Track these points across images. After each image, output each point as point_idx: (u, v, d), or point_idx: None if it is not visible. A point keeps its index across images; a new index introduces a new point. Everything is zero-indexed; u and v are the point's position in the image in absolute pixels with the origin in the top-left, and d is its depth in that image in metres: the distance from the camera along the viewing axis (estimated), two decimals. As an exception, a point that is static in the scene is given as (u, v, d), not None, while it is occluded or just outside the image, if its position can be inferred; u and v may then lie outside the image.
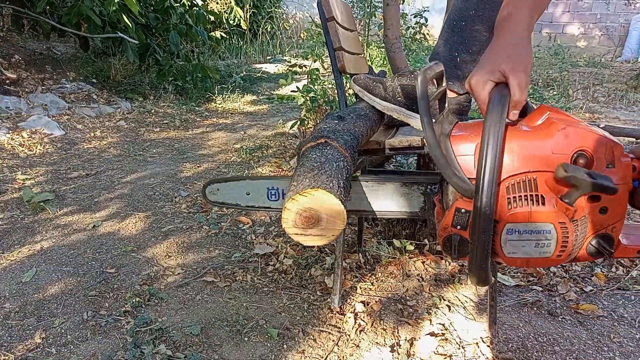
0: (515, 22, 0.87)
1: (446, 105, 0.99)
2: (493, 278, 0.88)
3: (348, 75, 1.62)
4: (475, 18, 1.44)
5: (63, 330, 1.43)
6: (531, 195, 0.82)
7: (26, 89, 4.03)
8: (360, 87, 1.39)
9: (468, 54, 1.47)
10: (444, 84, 0.99)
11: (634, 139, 3.37)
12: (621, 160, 0.82)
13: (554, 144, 0.82)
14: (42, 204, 2.25)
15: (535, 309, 1.58)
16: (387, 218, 1.75)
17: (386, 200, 1.24)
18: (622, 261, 1.84)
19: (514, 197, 0.82)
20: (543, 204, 0.81)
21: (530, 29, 0.88)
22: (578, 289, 1.68)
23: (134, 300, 1.56)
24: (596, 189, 0.75)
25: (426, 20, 5.62)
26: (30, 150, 3.03)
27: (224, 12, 5.49)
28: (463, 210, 0.86)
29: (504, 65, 0.83)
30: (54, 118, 3.57)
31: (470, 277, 0.86)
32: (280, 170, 2.76)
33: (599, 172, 0.78)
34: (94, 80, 4.86)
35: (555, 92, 5.01)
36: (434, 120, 0.88)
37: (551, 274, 1.77)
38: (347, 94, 1.70)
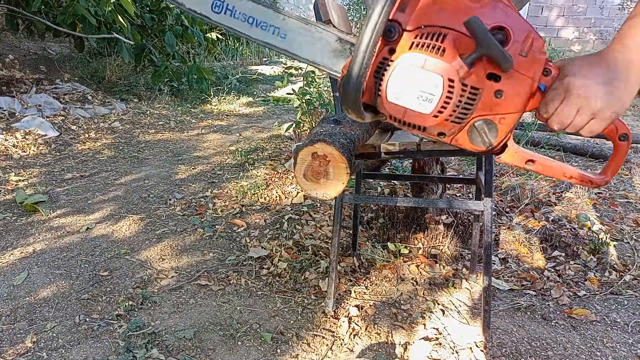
0: None
1: None
2: (369, 118, 0.84)
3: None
4: None
5: (54, 334, 1.42)
6: (435, 45, 0.78)
7: (20, 90, 4.00)
8: None
9: None
10: None
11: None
12: (536, 55, 0.79)
13: (479, 10, 0.79)
14: (35, 205, 2.23)
15: (528, 313, 1.58)
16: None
17: (317, 52, 1.16)
18: (615, 266, 1.84)
19: (419, 42, 0.79)
20: (442, 55, 0.78)
21: None
22: (571, 294, 1.69)
23: (126, 304, 1.55)
24: (493, 52, 0.75)
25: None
26: (24, 151, 3.01)
27: (220, 13, 5.47)
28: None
29: None
30: (48, 119, 3.55)
31: (344, 106, 0.81)
32: (275, 172, 2.75)
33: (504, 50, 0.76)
34: (89, 81, 4.84)
35: (549, 96, 5.03)
36: None
37: (545, 278, 1.77)
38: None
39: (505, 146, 0.87)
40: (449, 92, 0.78)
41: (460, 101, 0.80)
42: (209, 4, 1.24)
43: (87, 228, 2.09)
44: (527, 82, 0.79)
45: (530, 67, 0.79)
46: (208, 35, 5.16)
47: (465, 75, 0.78)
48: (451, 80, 0.78)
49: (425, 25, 0.79)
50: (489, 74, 0.79)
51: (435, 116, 0.80)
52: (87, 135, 3.45)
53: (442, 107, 0.79)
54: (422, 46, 0.79)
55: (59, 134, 3.36)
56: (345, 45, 1.10)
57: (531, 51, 0.79)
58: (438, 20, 0.79)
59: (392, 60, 0.80)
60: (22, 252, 1.88)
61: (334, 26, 1.49)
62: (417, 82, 0.79)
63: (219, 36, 5.63)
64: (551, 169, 0.91)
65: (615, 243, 1.99)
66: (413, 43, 0.79)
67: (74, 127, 3.54)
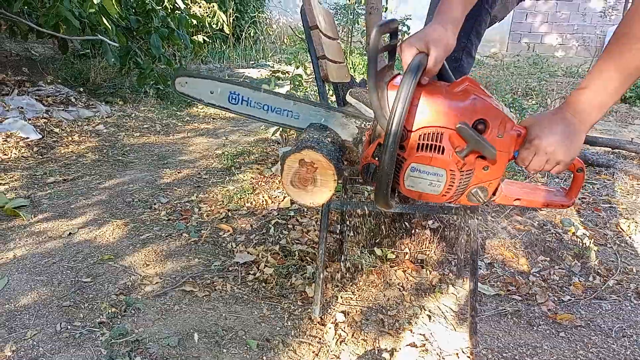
0: (450, 14, 1.11)
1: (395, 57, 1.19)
2: (394, 204, 1.11)
3: (331, 84, 1.62)
4: None
5: (35, 342, 1.38)
6: (435, 145, 1.03)
7: (2, 92, 3.93)
8: (357, 99, 1.40)
9: None
10: (395, 39, 1.19)
11: (610, 149, 3.44)
12: (509, 133, 1.05)
13: (463, 108, 1.02)
14: (16, 210, 2.19)
15: (514, 318, 1.59)
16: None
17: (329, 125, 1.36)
18: (599, 270, 1.86)
19: (423, 144, 1.04)
20: (442, 153, 1.03)
21: (461, 22, 1.12)
22: (556, 298, 1.70)
23: (109, 311, 1.52)
24: (480, 147, 1.00)
25: (408, 27, 5.67)
26: (5, 155, 2.95)
27: (207, 16, 5.44)
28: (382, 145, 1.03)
29: (430, 41, 1.04)
30: (30, 121, 3.48)
31: (375, 201, 1.08)
32: (262, 176, 2.74)
33: (486, 138, 1.01)
34: (73, 83, 4.77)
35: (533, 102, 5.09)
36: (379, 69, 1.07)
37: (530, 283, 1.78)
38: (329, 102, 1.69)
39: (495, 193, 1.16)
40: (451, 178, 1.05)
41: (460, 182, 1.07)
42: (226, 97, 1.43)
43: (70, 233, 2.05)
44: (506, 156, 1.07)
45: (506, 144, 1.05)
46: (194, 38, 5.13)
47: (461, 165, 1.04)
48: (452, 171, 1.04)
49: (425, 126, 1.03)
50: (478, 156, 1.04)
51: (444, 195, 1.09)
52: (70, 139, 3.39)
53: (448, 189, 1.07)
54: (425, 148, 1.04)
55: (41, 136, 3.30)
56: (350, 120, 1.32)
57: (505, 132, 1.04)
58: (434, 122, 1.03)
59: (404, 157, 1.06)
60: (1, 258, 1.83)
61: (320, 31, 1.49)
62: (426, 176, 1.06)
63: (206, 39, 5.60)
64: (533, 202, 1.21)
65: (598, 248, 2.01)
66: (419, 145, 1.04)
67: (57, 130, 3.48)
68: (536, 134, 1.04)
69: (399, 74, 1.15)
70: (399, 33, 1.22)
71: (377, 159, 1.09)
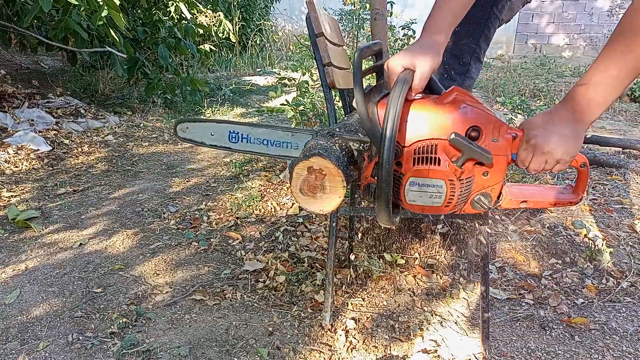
0: (435, 32, 1.13)
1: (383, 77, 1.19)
2: (397, 220, 1.09)
3: (337, 90, 1.62)
4: None
5: (47, 354, 1.39)
6: (431, 157, 1.04)
7: (12, 104, 3.98)
8: None
9: None
10: (382, 60, 1.20)
11: (620, 149, 3.41)
12: (504, 136, 1.05)
13: (455, 118, 1.03)
14: (27, 222, 2.21)
15: (527, 322, 1.57)
16: None
17: None
18: (612, 272, 1.84)
19: (419, 157, 1.05)
20: (439, 164, 1.04)
21: (444, 41, 1.13)
22: (569, 302, 1.68)
23: (120, 321, 1.53)
24: (475, 155, 1.00)
25: (414, 32, 5.67)
26: (16, 167, 2.99)
27: (213, 25, 5.48)
28: None
29: (415, 59, 1.05)
30: (40, 133, 3.52)
31: (378, 218, 1.07)
32: (270, 184, 2.74)
33: (482, 144, 1.03)
34: (82, 95, 4.82)
35: (541, 103, 5.06)
36: (368, 90, 1.11)
37: (542, 287, 1.76)
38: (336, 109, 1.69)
39: (499, 196, 1.16)
40: (451, 188, 1.05)
41: (461, 191, 1.06)
42: (226, 137, 1.45)
43: (80, 244, 2.06)
44: (504, 159, 1.07)
45: (503, 148, 1.06)
46: (201, 47, 5.17)
47: (459, 174, 1.04)
48: (451, 181, 1.04)
49: (418, 140, 1.04)
50: (475, 163, 1.05)
51: (447, 206, 1.08)
52: (80, 150, 3.43)
53: (450, 199, 1.06)
54: (422, 161, 1.05)
55: (51, 148, 3.34)
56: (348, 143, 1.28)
57: (500, 136, 1.05)
58: (427, 135, 1.04)
59: (401, 173, 1.07)
60: (14, 270, 1.85)
61: (326, 38, 1.50)
62: (427, 189, 1.06)
63: (212, 48, 5.64)
64: (540, 203, 1.21)
65: (611, 250, 1.99)
66: (414, 159, 1.05)
67: (66, 142, 3.52)
68: (533, 134, 1.05)
69: (387, 94, 1.16)
70: (385, 53, 1.24)
71: (376, 177, 1.09)
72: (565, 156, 1.03)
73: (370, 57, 1.41)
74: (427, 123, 1.04)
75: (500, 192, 1.15)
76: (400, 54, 1.08)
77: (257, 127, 1.44)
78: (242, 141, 1.45)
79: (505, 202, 1.17)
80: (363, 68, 1.22)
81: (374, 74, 1.41)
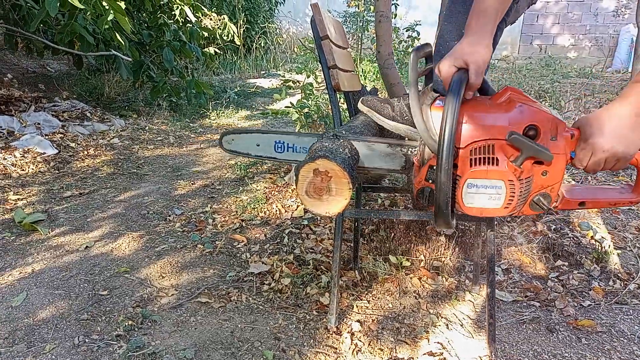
0: (481, 26, 1.08)
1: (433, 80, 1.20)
2: (454, 223, 1.07)
3: (342, 93, 1.62)
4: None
5: (54, 357, 1.40)
6: (488, 158, 1.01)
7: (19, 108, 4.01)
8: (369, 107, 1.41)
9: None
10: (431, 63, 1.20)
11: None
12: (562, 134, 1.03)
13: (511, 118, 1.02)
14: (33, 225, 2.22)
15: (533, 325, 1.56)
16: (377, 174, 1.84)
17: (375, 159, 1.35)
18: (619, 274, 1.83)
19: (475, 158, 1.02)
20: (497, 164, 1.01)
21: (492, 34, 1.09)
22: (576, 304, 1.67)
23: (126, 324, 1.53)
24: (534, 153, 0.98)
25: (418, 33, 5.67)
26: (23, 170, 3.01)
27: (218, 28, 5.50)
28: (434, 167, 1.03)
29: (466, 56, 1.03)
30: (47, 137, 3.55)
31: (436, 222, 1.06)
32: (275, 186, 2.74)
33: (540, 143, 1.00)
34: (88, 98, 4.85)
35: (547, 103, 5.04)
36: (420, 92, 1.09)
37: (548, 289, 1.75)
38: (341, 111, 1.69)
39: (563, 197, 1.13)
40: (511, 189, 1.02)
41: (521, 192, 1.03)
42: (272, 147, 1.47)
43: (87, 246, 2.07)
44: (563, 158, 1.04)
45: (561, 146, 1.03)
46: (206, 50, 5.19)
47: (519, 174, 1.01)
48: (510, 181, 1.01)
49: (474, 141, 1.02)
50: (534, 162, 1.02)
51: (506, 207, 1.04)
52: (86, 153, 3.44)
53: (509, 200, 1.03)
54: (479, 162, 1.02)
55: (57, 151, 3.36)
56: (395, 149, 1.30)
57: (558, 134, 1.02)
58: (482, 135, 1.02)
59: (458, 175, 1.04)
60: (20, 273, 1.86)
61: (331, 41, 1.50)
62: (485, 190, 1.03)
63: (217, 50, 5.66)
64: (600, 203, 1.17)
65: (618, 251, 1.97)
66: (471, 160, 1.02)
67: (72, 145, 3.54)
68: (591, 132, 1.01)
69: (439, 96, 1.17)
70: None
71: (430, 181, 1.09)
72: (627, 154, 1.00)
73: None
74: (482, 123, 1.03)
75: (559, 193, 1.13)
76: (449, 56, 1.06)
77: (303, 137, 1.44)
78: (287, 151, 1.46)
79: (561, 203, 1.14)
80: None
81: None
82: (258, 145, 1.49)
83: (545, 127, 1.02)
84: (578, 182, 2.70)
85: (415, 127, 1.39)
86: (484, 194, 1.03)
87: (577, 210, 2.34)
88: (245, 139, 1.50)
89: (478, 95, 1.17)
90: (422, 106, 1.09)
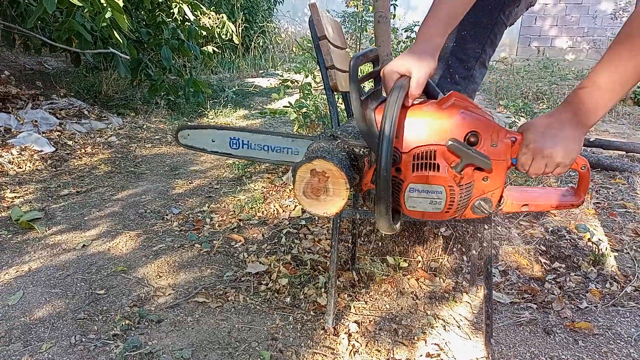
0: (430, 37, 1.12)
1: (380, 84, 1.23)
2: (398, 227, 1.10)
3: (340, 93, 1.62)
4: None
5: (50, 356, 1.39)
6: (430, 163, 1.04)
7: (16, 105, 3.99)
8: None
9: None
10: (378, 67, 1.23)
11: (624, 152, 3.40)
12: (503, 141, 1.05)
13: (453, 124, 1.03)
14: (30, 223, 2.21)
15: (530, 327, 1.57)
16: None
17: None
18: (615, 277, 1.83)
19: (418, 163, 1.05)
20: (438, 170, 1.04)
21: (439, 46, 1.13)
22: (573, 306, 1.67)
23: (123, 323, 1.53)
24: (474, 160, 1.00)
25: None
26: (20, 168, 3.00)
27: (216, 26, 5.48)
28: None
29: (411, 65, 1.06)
30: (44, 134, 3.53)
31: (378, 224, 1.07)
32: (273, 186, 2.74)
33: (481, 149, 1.03)
34: (86, 96, 4.83)
35: (545, 106, 5.05)
36: (364, 97, 1.10)
37: (545, 291, 1.76)
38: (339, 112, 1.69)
39: (500, 200, 1.15)
40: (451, 194, 1.04)
41: (461, 197, 1.06)
42: (227, 144, 1.49)
43: (83, 245, 2.07)
44: (503, 164, 1.07)
45: (502, 153, 1.06)
46: (204, 48, 5.17)
47: (459, 180, 1.04)
48: (451, 187, 1.04)
49: (417, 146, 1.04)
50: (475, 168, 1.05)
51: (447, 211, 1.07)
52: (83, 151, 3.43)
53: (449, 205, 1.06)
54: (421, 167, 1.04)
55: (55, 149, 3.35)
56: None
57: (499, 140, 1.05)
58: (425, 141, 1.04)
59: (401, 179, 1.07)
60: (17, 271, 1.85)
61: (329, 41, 1.49)
62: (426, 195, 1.06)
63: (215, 49, 5.64)
64: (542, 206, 1.21)
65: (615, 254, 1.98)
66: (414, 165, 1.05)
67: (70, 143, 3.53)
68: (533, 138, 1.04)
69: (384, 101, 1.17)
70: (388, 55, 1.25)
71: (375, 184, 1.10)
72: (566, 159, 1.03)
73: (369, 63, 1.41)
74: (425, 128, 1.04)
75: (501, 196, 1.15)
76: (395, 61, 1.08)
77: (258, 133, 1.45)
78: (242, 147, 1.48)
79: (506, 206, 1.17)
80: (362, 74, 1.23)
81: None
82: (213, 141, 1.50)
83: (487, 133, 1.04)
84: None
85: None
86: (425, 198, 1.06)
87: (572, 212, 2.35)
88: (200, 135, 1.52)
89: (425, 98, 1.18)
90: (366, 109, 1.09)
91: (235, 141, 1.47)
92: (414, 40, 5.68)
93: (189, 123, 4.46)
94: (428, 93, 1.18)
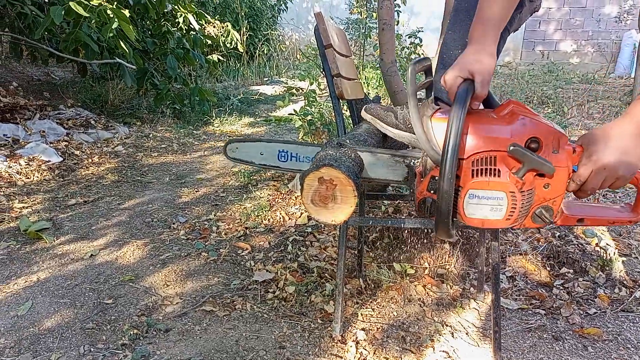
0: (484, 35, 1.09)
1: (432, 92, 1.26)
2: (455, 233, 1.10)
3: (345, 101, 1.63)
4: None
5: (59, 366, 1.40)
6: (490, 169, 1.02)
7: (24, 116, 4.03)
8: (373, 116, 1.42)
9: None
10: (431, 77, 1.25)
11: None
12: (564, 148, 1.03)
13: (513, 130, 1.03)
14: (39, 233, 2.23)
15: (539, 333, 1.56)
16: (379, 184, 1.87)
17: (378, 169, 1.35)
18: (624, 282, 1.82)
19: (477, 169, 1.03)
20: (499, 176, 1.01)
21: (495, 42, 1.10)
22: (582, 312, 1.66)
23: (131, 333, 1.53)
24: (536, 165, 0.98)
25: (420, 40, 5.69)
26: (28, 178, 3.02)
27: (221, 35, 5.53)
28: (436, 178, 1.05)
29: (471, 67, 1.04)
30: (51, 145, 3.57)
31: (437, 232, 1.07)
32: (279, 193, 2.75)
33: (542, 155, 1.01)
34: (92, 106, 4.88)
35: (550, 110, 5.04)
36: (419, 104, 1.10)
37: (554, 296, 1.75)
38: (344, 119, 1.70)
39: (562, 213, 1.12)
40: (513, 200, 1.02)
41: (522, 204, 1.03)
42: (275, 156, 1.50)
43: (91, 255, 2.08)
44: (565, 171, 1.03)
45: (563, 159, 1.03)
46: (209, 57, 5.21)
47: (520, 185, 1.01)
48: (512, 192, 1.01)
49: (476, 152, 1.03)
50: (536, 174, 1.02)
51: (508, 218, 1.04)
52: (90, 160, 3.46)
53: (511, 212, 1.03)
54: (481, 173, 1.02)
55: (62, 159, 3.38)
56: (397, 160, 1.31)
57: (560, 147, 1.03)
58: (484, 147, 1.02)
59: (459, 186, 1.04)
60: (26, 281, 1.87)
61: (334, 49, 1.51)
62: (486, 201, 1.03)
63: (220, 58, 5.69)
64: (598, 221, 1.18)
65: (623, 258, 1.97)
66: (473, 170, 1.03)
67: (77, 153, 3.56)
68: (593, 149, 1.00)
69: (440, 108, 1.18)
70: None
71: (432, 192, 1.09)
72: (627, 172, 0.99)
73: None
74: (485, 135, 1.03)
75: (560, 208, 1.11)
76: (454, 67, 1.06)
77: (306, 146, 1.45)
78: (291, 160, 1.48)
79: (560, 219, 1.13)
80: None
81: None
82: (262, 154, 1.51)
83: (547, 139, 1.02)
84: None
85: None
86: (485, 204, 1.04)
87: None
88: (249, 148, 1.52)
89: (482, 107, 1.17)
90: (422, 117, 1.09)
91: (283, 154, 1.48)
92: (419, 47, 5.64)
93: (195, 132, 4.49)
94: (485, 101, 1.17)
